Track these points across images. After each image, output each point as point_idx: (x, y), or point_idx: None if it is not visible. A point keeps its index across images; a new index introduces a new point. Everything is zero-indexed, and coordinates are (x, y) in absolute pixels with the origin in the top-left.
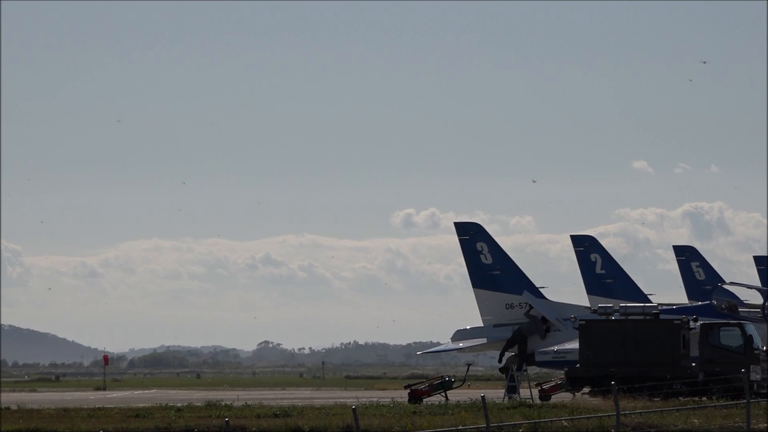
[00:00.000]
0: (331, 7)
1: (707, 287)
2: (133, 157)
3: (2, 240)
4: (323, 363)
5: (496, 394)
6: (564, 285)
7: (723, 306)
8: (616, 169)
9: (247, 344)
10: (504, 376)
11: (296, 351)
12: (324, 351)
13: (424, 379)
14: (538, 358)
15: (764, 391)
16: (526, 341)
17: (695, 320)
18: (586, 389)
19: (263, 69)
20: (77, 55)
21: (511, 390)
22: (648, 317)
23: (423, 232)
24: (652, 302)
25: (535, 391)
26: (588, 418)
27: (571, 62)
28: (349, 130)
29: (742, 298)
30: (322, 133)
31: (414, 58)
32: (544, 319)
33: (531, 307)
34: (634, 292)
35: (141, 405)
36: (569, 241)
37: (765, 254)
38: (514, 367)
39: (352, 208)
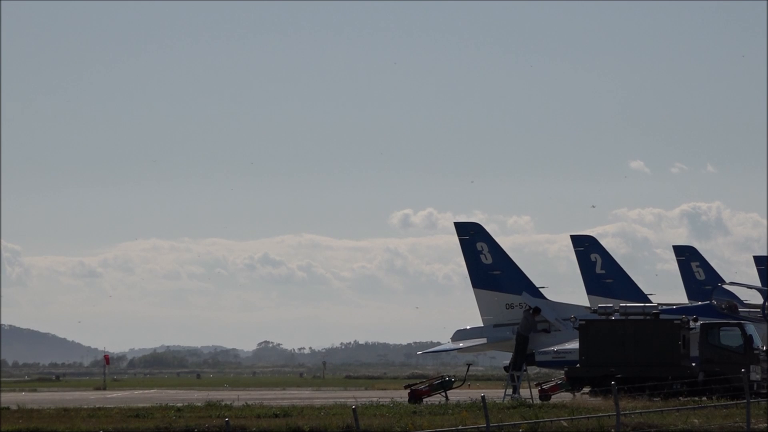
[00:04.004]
0: (330, 7)
1: (707, 287)
2: (133, 157)
3: (2, 240)
4: (324, 363)
5: (496, 394)
6: (563, 285)
7: (723, 306)
8: (613, 170)
9: (247, 344)
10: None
11: (296, 351)
12: (324, 351)
13: (424, 379)
14: (538, 358)
15: (764, 391)
16: (526, 341)
17: (695, 320)
18: (586, 389)
19: (263, 69)
20: (77, 55)
21: (514, 390)
22: (648, 317)
23: (421, 232)
24: (652, 302)
25: (535, 391)
26: (588, 418)
27: (569, 63)
28: (347, 130)
29: (742, 298)
30: (320, 133)
31: (413, 58)
32: (536, 309)
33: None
34: (634, 292)
35: (141, 405)
36: (567, 241)
37: (765, 254)
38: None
39: (349, 208)
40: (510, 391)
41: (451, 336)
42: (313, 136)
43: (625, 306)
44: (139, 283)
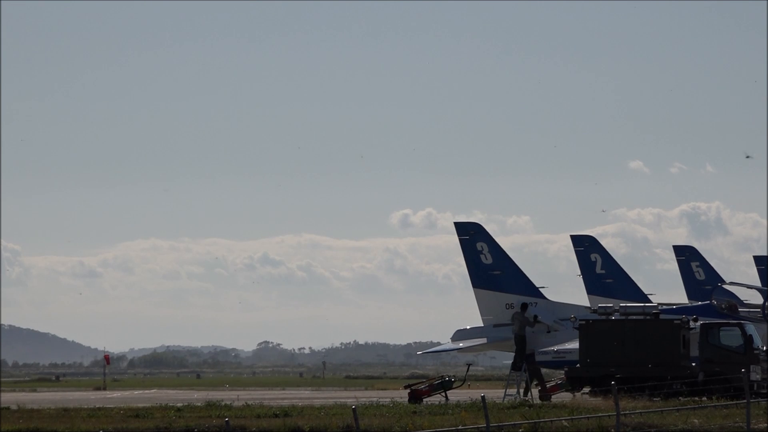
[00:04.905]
0: (330, 7)
1: (707, 287)
2: (132, 157)
3: (2, 240)
4: (324, 363)
5: (496, 394)
6: (562, 285)
7: (723, 306)
8: (612, 170)
9: (247, 344)
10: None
11: (296, 351)
12: (324, 351)
13: (424, 379)
14: (538, 358)
15: (764, 391)
16: (524, 340)
17: (695, 320)
18: (586, 389)
19: (263, 69)
20: (77, 55)
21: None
22: (648, 317)
23: (420, 232)
24: (652, 302)
25: (535, 391)
26: (588, 418)
27: (568, 62)
28: (347, 130)
29: (742, 298)
30: (320, 133)
31: (413, 58)
32: (523, 305)
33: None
34: (634, 292)
35: (141, 405)
36: (567, 241)
37: (765, 254)
38: (523, 367)
39: (349, 208)
40: (512, 391)
41: (451, 336)
42: (314, 136)
43: (625, 306)
44: (139, 283)
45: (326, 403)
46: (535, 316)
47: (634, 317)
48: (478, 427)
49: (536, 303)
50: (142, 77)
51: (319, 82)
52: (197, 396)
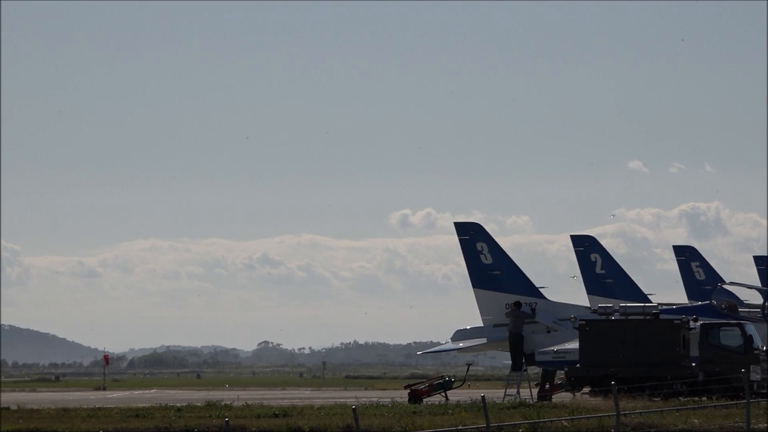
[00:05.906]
0: (330, 7)
1: (707, 287)
2: (132, 157)
3: (2, 240)
4: (324, 363)
5: (496, 394)
6: (562, 285)
7: (723, 306)
8: (612, 170)
9: (247, 344)
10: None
11: (296, 351)
12: (324, 351)
13: (424, 379)
14: (538, 358)
15: (764, 391)
16: (521, 338)
17: (695, 320)
18: (586, 389)
19: (263, 69)
20: (77, 55)
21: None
22: (648, 317)
23: (419, 232)
24: (652, 302)
25: (535, 391)
26: (588, 418)
27: (567, 62)
28: (347, 130)
29: (742, 298)
30: (320, 133)
31: (413, 58)
32: (516, 303)
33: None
34: (634, 292)
35: (141, 405)
36: (566, 241)
37: (764, 254)
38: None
39: (349, 208)
40: (511, 391)
41: (451, 336)
42: (313, 136)
43: (625, 306)
44: (139, 283)
45: (326, 403)
46: (533, 308)
47: (634, 317)
48: (478, 427)
49: (536, 303)
50: (142, 77)
51: (319, 82)
52: (197, 396)
